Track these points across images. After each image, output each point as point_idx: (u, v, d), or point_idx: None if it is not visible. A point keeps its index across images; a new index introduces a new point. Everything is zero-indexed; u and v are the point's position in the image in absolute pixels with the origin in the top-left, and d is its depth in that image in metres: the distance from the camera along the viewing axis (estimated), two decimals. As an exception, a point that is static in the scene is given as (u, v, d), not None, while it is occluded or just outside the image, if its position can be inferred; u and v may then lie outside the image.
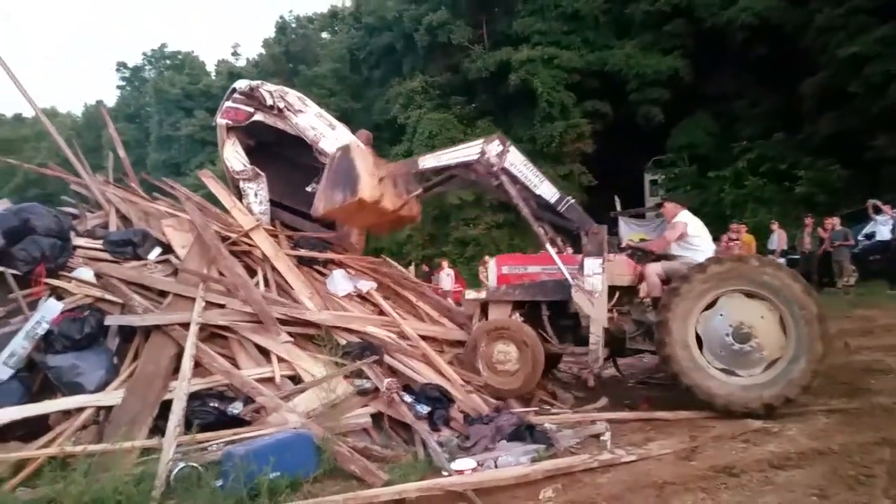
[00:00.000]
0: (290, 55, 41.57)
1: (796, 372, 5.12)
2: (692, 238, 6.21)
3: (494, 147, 6.18)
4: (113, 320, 5.33)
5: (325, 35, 44.43)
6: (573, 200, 6.22)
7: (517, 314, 6.36)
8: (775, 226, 15.62)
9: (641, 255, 6.42)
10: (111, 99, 54.42)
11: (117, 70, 55.31)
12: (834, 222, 13.71)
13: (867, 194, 15.34)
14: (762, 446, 4.47)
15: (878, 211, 13.58)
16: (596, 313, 5.78)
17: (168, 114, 44.82)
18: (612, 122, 25.65)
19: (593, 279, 5.79)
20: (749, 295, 5.36)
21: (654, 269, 6.10)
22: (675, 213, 6.40)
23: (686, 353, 5.38)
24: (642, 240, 8.41)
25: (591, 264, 5.82)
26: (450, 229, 25.56)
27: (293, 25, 44.62)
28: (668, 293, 5.56)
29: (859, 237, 13.97)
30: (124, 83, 55.28)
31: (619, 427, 5.26)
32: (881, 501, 3.44)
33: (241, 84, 7.84)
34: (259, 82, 7.83)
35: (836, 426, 4.81)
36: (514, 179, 6.21)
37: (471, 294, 6.89)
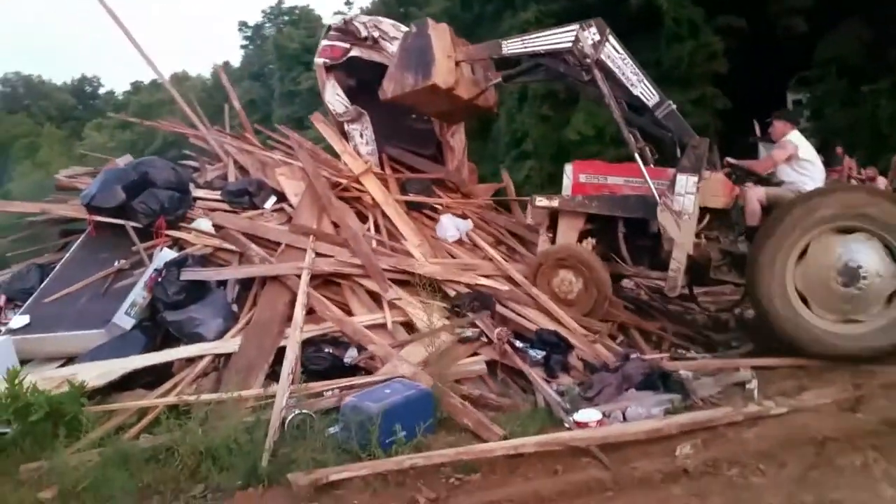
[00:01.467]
0: (401, -2, 41.18)
1: None
2: (802, 162, 5.43)
3: (591, 35, 5.49)
4: (190, 275, 5.21)
5: (434, -25, 43.54)
6: (674, 106, 5.49)
7: (588, 239, 5.82)
8: (943, 143, 13.62)
9: (741, 174, 5.61)
10: (236, 59, 56.63)
11: (240, 30, 56.99)
12: None
13: None
14: (948, 396, 3.78)
15: None
16: (682, 237, 5.15)
17: (289, 69, 46.07)
18: (748, 37, 23.20)
19: (684, 199, 5.13)
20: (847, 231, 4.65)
21: (755, 195, 5.34)
22: (784, 133, 5.60)
23: (782, 296, 4.73)
24: None
25: (685, 182, 5.13)
26: (569, 167, 24.57)
27: (403, -32, 44.05)
28: (770, 223, 4.86)
29: None
30: (247, 42, 57.18)
31: (766, 375, 4.65)
32: None
33: (335, 19, 7.56)
34: (353, 14, 7.57)
35: None
36: (609, 75, 5.52)
37: (541, 201, 6.09)
